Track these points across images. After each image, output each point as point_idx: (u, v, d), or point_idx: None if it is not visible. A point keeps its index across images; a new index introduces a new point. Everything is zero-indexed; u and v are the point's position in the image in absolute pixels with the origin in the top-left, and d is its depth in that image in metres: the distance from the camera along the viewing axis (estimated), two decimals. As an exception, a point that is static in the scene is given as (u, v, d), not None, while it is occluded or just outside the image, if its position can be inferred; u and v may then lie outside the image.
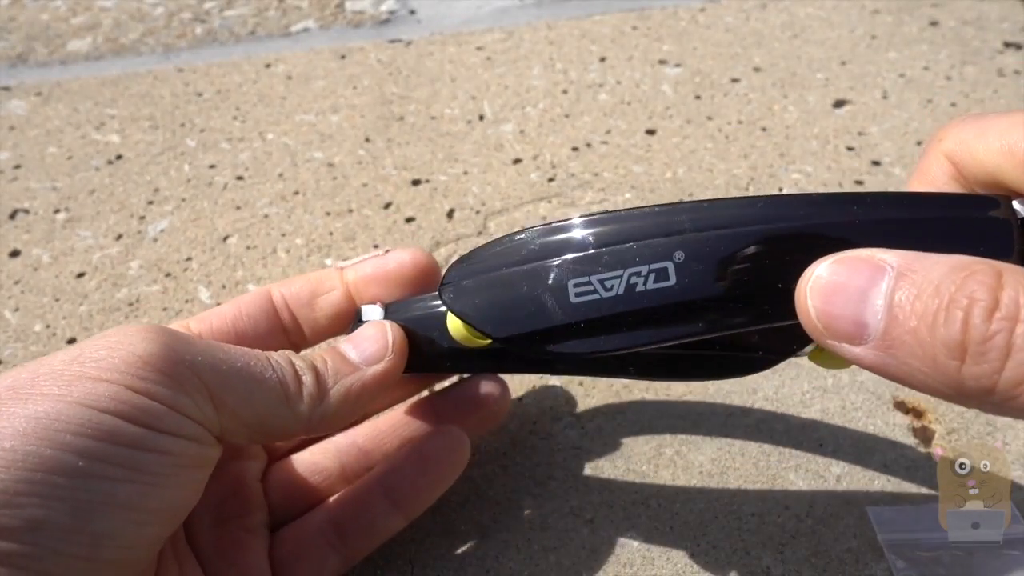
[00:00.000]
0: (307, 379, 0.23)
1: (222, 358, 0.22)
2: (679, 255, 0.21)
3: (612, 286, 0.21)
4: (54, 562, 0.18)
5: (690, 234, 0.21)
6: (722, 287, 0.21)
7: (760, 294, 0.21)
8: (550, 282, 0.22)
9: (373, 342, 0.24)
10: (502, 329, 0.22)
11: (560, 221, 0.22)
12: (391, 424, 0.28)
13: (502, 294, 0.22)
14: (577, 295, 0.22)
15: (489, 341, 0.23)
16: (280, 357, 0.23)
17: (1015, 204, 0.20)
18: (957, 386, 0.17)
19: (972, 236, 0.20)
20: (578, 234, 0.22)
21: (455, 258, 0.24)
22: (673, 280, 0.21)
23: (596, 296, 0.21)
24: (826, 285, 0.19)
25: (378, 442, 0.28)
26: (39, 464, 0.18)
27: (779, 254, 0.20)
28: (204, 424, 0.21)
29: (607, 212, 0.22)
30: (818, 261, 0.19)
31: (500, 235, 0.25)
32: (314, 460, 0.27)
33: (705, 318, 0.21)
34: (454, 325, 0.24)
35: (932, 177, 0.23)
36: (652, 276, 0.21)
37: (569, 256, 0.22)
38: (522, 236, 0.23)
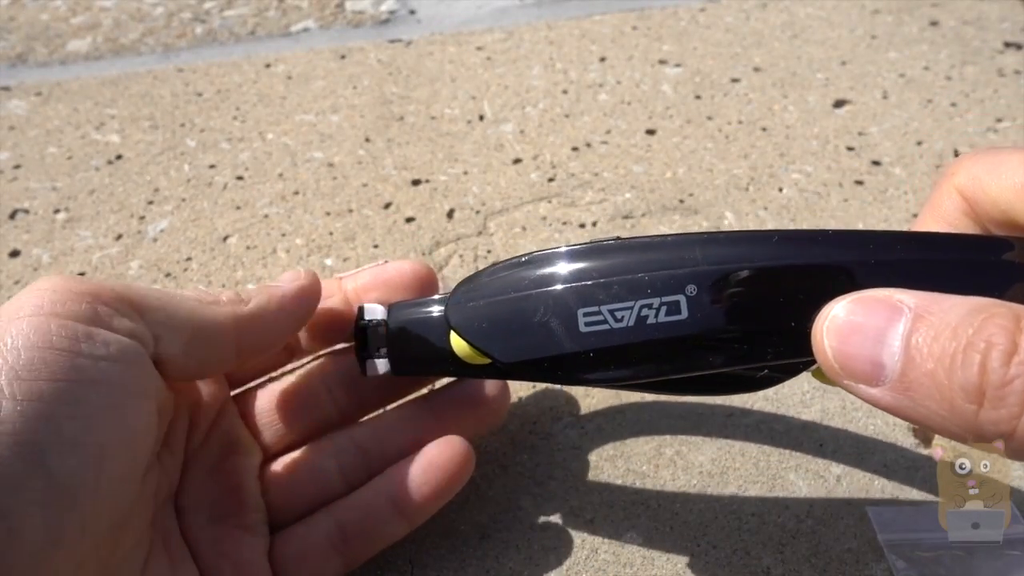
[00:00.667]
0: (226, 293, 0.24)
1: (133, 283, 0.23)
2: (691, 288, 0.21)
3: (623, 317, 0.21)
4: (16, 516, 0.18)
5: (703, 267, 0.21)
6: (734, 324, 0.21)
7: (772, 332, 0.20)
8: (560, 310, 0.22)
9: (286, 275, 0.26)
10: (509, 354, 0.22)
11: (572, 246, 0.22)
12: (389, 423, 0.28)
13: (510, 319, 0.22)
14: (587, 324, 0.21)
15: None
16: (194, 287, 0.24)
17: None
18: (975, 430, 0.17)
19: (985, 279, 0.20)
20: (590, 262, 0.22)
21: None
22: (685, 314, 0.21)
23: (606, 326, 0.21)
24: (843, 325, 0.18)
25: (376, 441, 0.27)
26: None
27: (792, 292, 0.20)
28: (136, 337, 0.21)
29: (619, 239, 0.22)
30: (835, 300, 0.19)
31: (508, 256, 0.25)
32: (311, 459, 0.27)
33: (715, 353, 0.21)
34: (458, 343, 0.24)
35: (944, 211, 0.22)
36: (664, 309, 0.21)
37: (580, 284, 0.22)
38: (532, 260, 0.23)
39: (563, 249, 0.22)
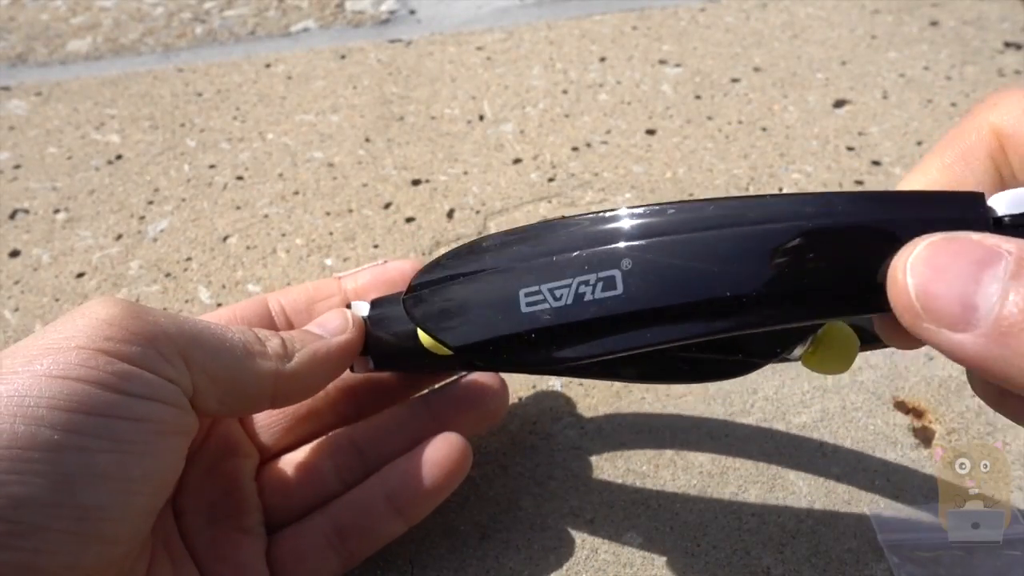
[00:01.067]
0: (272, 342, 0.24)
1: (184, 320, 0.22)
2: (627, 263, 0.19)
3: (561, 295, 0.20)
4: (41, 539, 0.18)
5: (637, 240, 0.19)
6: (669, 296, 0.19)
7: (710, 303, 0.19)
8: (503, 291, 0.21)
9: (334, 319, 0.26)
10: (458, 338, 0.22)
11: (516, 229, 0.22)
12: (387, 422, 0.28)
13: (458, 303, 0.22)
14: (528, 304, 0.21)
15: None
16: (239, 327, 0.24)
17: (990, 202, 0.18)
18: None
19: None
20: (532, 242, 0.21)
21: None
22: (620, 290, 0.20)
23: (546, 305, 0.20)
24: (930, 260, 0.16)
25: (374, 441, 0.27)
26: (12, 441, 0.18)
27: (728, 261, 0.19)
28: (177, 383, 0.21)
29: (563, 218, 0.21)
30: (920, 238, 0.17)
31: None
32: (308, 460, 0.27)
33: (653, 328, 0.20)
34: (423, 335, 0.24)
35: (964, 147, 0.20)
36: (600, 285, 0.20)
37: (522, 264, 0.21)
38: (481, 243, 0.22)
39: (508, 232, 0.22)
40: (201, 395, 0.22)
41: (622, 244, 0.20)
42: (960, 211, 0.18)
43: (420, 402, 0.29)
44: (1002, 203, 0.18)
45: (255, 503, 0.26)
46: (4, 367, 0.19)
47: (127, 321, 0.21)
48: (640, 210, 0.20)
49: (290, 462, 0.27)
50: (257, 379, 0.23)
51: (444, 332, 0.22)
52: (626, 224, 0.20)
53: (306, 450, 0.28)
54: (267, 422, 0.28)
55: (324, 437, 0.28)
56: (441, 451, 0.26)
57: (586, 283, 0.20)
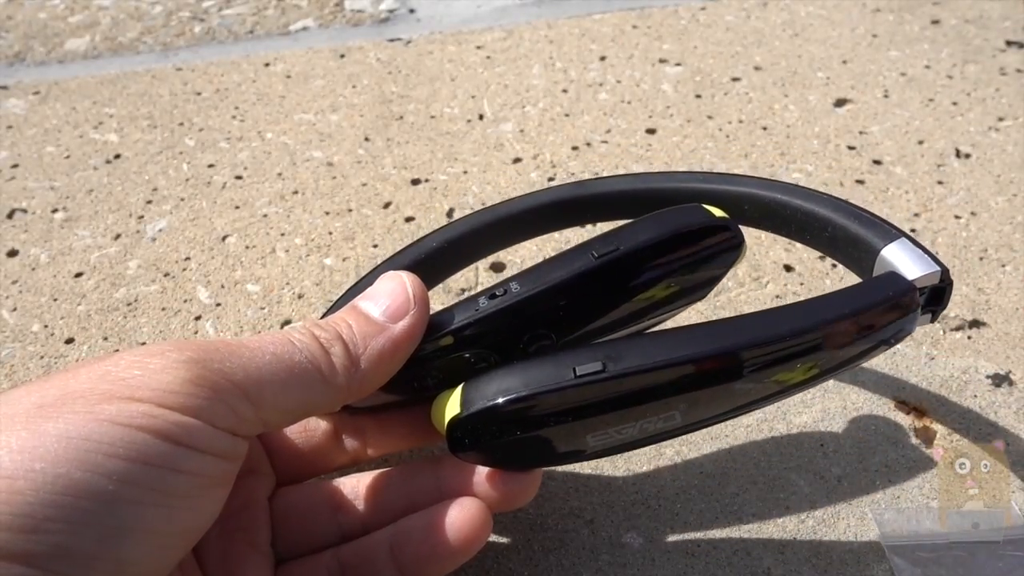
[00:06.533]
0: (336, 350, 0.22)
1: (249, 356, 0.21)
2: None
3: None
4: None
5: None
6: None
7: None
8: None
9: (394, 296, 0.23)
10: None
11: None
12: (413, 469, 0.26)
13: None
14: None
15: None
16: (302, 334, 0.22)
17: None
18: None
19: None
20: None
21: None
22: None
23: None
24: None
25: (397, 486, 0.26)
26: (68, 488, 0.17)
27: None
28: (237, 432, 0.20)
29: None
30: None
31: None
32: (322, 491, 0.26)
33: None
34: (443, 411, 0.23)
35: None
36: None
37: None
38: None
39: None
40: (274, 425, 0.22)
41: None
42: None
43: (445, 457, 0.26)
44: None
45: (267, 523, 0.25)
46: (68, 406, 0.19)
47: (192, 373, 0.20)
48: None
49: (303, 493, 0.26)
50: (328, 399, 0.22)
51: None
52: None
53: (321, 483, 0.27)
54: (284, 447, 0.27)
55: (336, 476, 0.27)
56: (453, 518, 0.23)
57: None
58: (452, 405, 0.22)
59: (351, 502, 0.26)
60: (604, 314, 0.24)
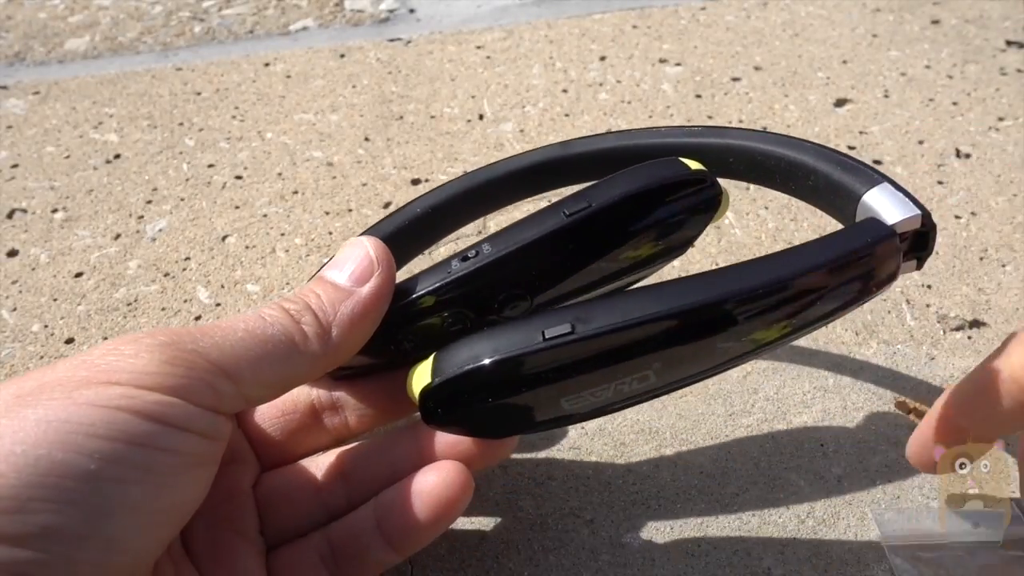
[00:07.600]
0: (307, 319, 0.23)
1: (222, 335, 0.22)
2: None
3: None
4: (66, 569, 0.18)
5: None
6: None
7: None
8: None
9: (358, 261, 0.24)
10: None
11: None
12: (393, 439, 0.26)
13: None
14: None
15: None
16: (272, 309, 0.23)
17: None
18: None
19: None
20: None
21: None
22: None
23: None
24: None
25: (379, 457, 0.26)
26: (51, 468, 0.18)
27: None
28: (218, 409, 0.21)
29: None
30: None
31: None
32: (304, 473, 0.27)
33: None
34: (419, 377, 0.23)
35: (1010, 371, 0.22)
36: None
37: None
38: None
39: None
40: (254, 400, 0.22)
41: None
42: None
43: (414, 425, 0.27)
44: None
45: (253, 510, 0.26)
46: (47, 393, 0.19)
47: (168, 354, 0.20)
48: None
49: (287, 476, 0.27)
50: (305, 368, 0.23)
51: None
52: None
53: (305, 465, 0.27)
54: (264, 433, 0.27)
55: (327, 452, 0.27)
56: (433, 482, 0.24)
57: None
58: (422, 375, 0.22)
59: (334, 480, 0.26)
60: (579, 272, 0.24)
